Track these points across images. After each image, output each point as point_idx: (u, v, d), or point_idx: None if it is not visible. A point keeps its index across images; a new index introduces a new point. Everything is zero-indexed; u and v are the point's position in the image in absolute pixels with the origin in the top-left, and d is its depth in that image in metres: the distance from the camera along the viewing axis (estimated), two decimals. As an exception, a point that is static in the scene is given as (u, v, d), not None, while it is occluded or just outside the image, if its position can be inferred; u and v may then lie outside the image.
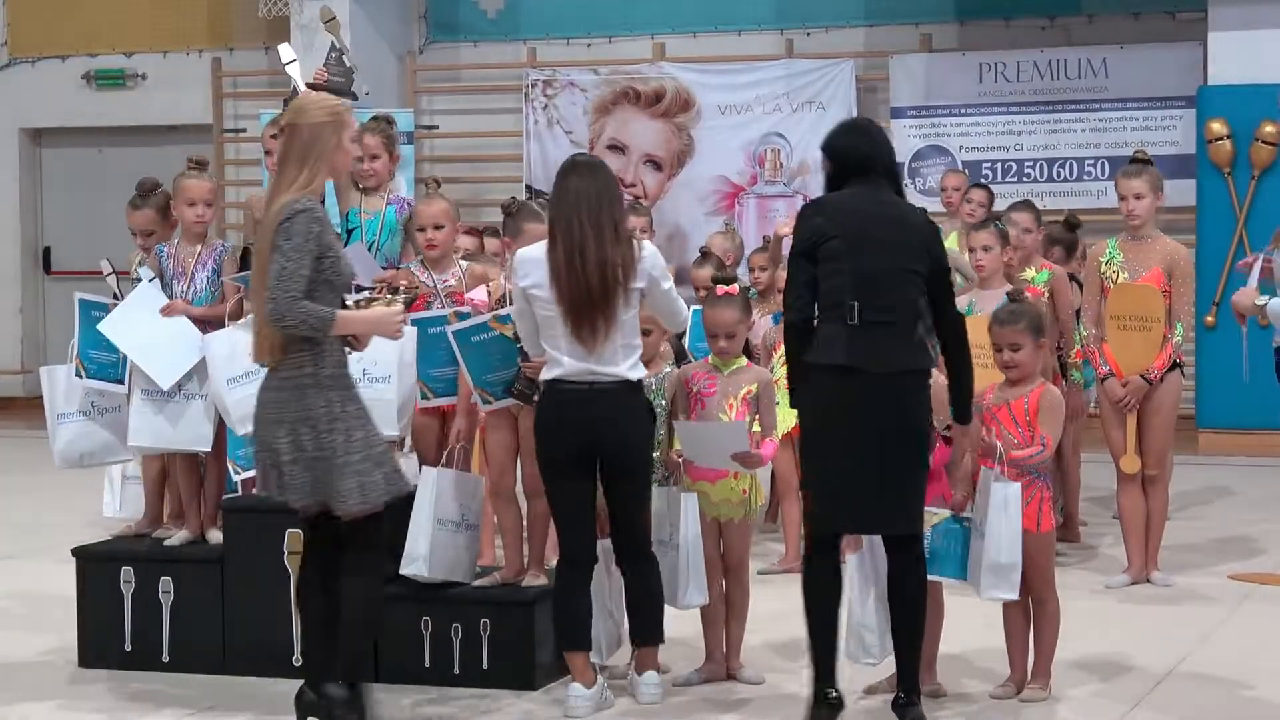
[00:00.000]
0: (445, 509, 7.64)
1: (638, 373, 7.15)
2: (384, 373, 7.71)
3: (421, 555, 7.60)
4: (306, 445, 6.65)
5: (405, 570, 7.64)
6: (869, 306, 6.71)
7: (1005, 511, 7.02)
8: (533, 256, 7.14)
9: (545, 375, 7.17)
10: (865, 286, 6.73)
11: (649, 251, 7.14)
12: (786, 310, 6.88)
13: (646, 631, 7.36)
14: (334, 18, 8.40)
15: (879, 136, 7.13)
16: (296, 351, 6.65)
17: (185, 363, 8.03)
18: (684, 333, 8.99)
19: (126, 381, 8.17)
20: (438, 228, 7.98)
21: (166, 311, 8.06)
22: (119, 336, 8.07)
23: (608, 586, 7.55)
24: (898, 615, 6.90)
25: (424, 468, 7.75)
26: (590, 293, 6.97)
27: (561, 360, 7.08)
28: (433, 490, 7.63)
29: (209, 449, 8.13)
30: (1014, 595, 7.12)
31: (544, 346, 7.15)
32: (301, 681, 6.96)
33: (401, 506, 7.99)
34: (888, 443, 6.74)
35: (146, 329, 8.06)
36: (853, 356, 6.71)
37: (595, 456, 7.13)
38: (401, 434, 7.85)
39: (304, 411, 6.65)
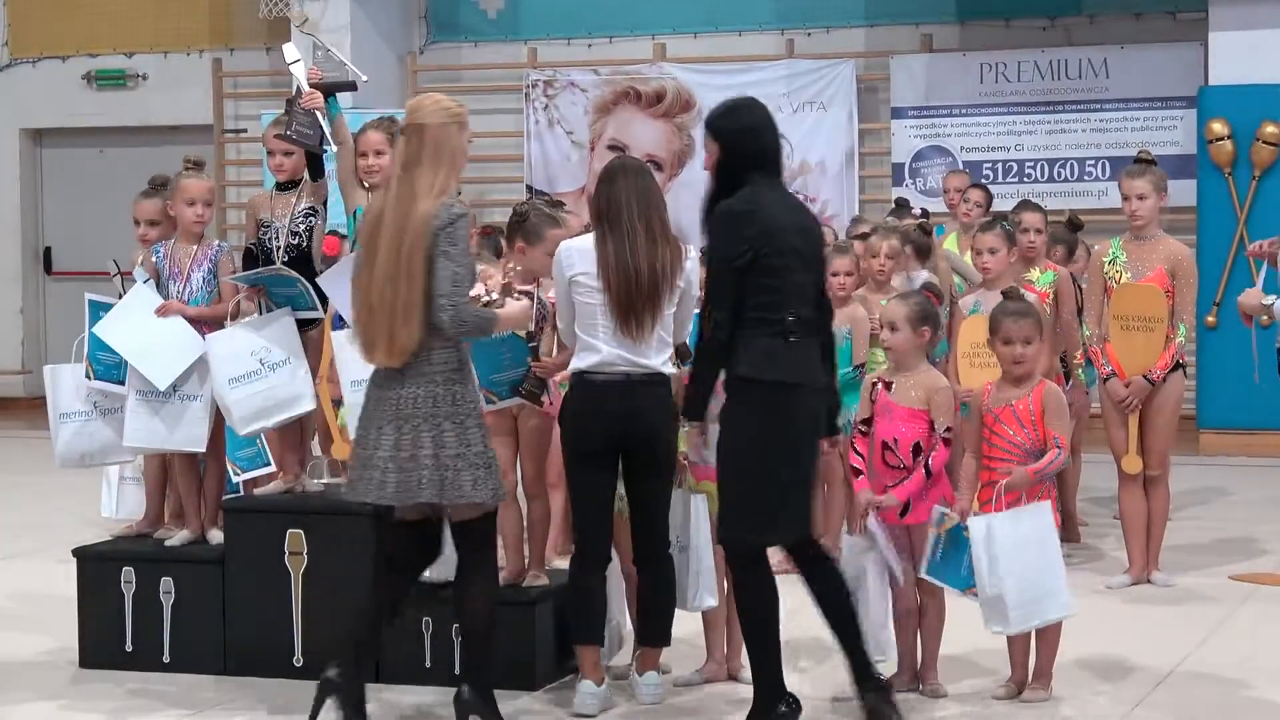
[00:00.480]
0: None
1: (669, 367, 7.17)
2: None
3: (448, 557, 7.59)
4: (449, 441, 6.66)
5: (429, 575, 7.61)
6: (801, 322, 6.77)
7: (986, 547, 7.04)
8: (580, 247, 7.18)
9: (577, 365, 7.16)
10: (796, 301, 6.77)
11: (693, 255, 7.22)
12: (716, 326, 6.76)
13: (655, 633, 7.34)
14: (306, 19, 8.36)
15: (772, 122, 7.12)
16: (441, 348, 6.67)
17: (181, 363, 8.01)
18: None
19: (127, 382, 8.16)
20: None
21: (161, 312, 8.05)
22: (114, 338, 8.06)
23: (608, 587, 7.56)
24: (844, 616, 6.90)
25: None
26: (640, 287, 7.04)
27: (599, 349, 7.06)
28: None
29: (204, 450, 8.11)
30: (1007, 629, 7.14)
31: (579, 335, 7.15)
32: (459, 686, 6.89)
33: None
34: (814, 453, 6.90)
35: (142, 330, 8.04)
36: (793, 372, 6.74)
37: (622, 449, 7.12)
38: None
39: (452, 407, 6.67)
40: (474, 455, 6.68)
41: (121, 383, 8.17)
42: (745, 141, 6.97)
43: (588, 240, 7.20)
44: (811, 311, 6.84)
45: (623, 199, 7.12)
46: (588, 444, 7.14)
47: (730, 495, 6.84)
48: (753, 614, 6.91)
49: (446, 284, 6.60)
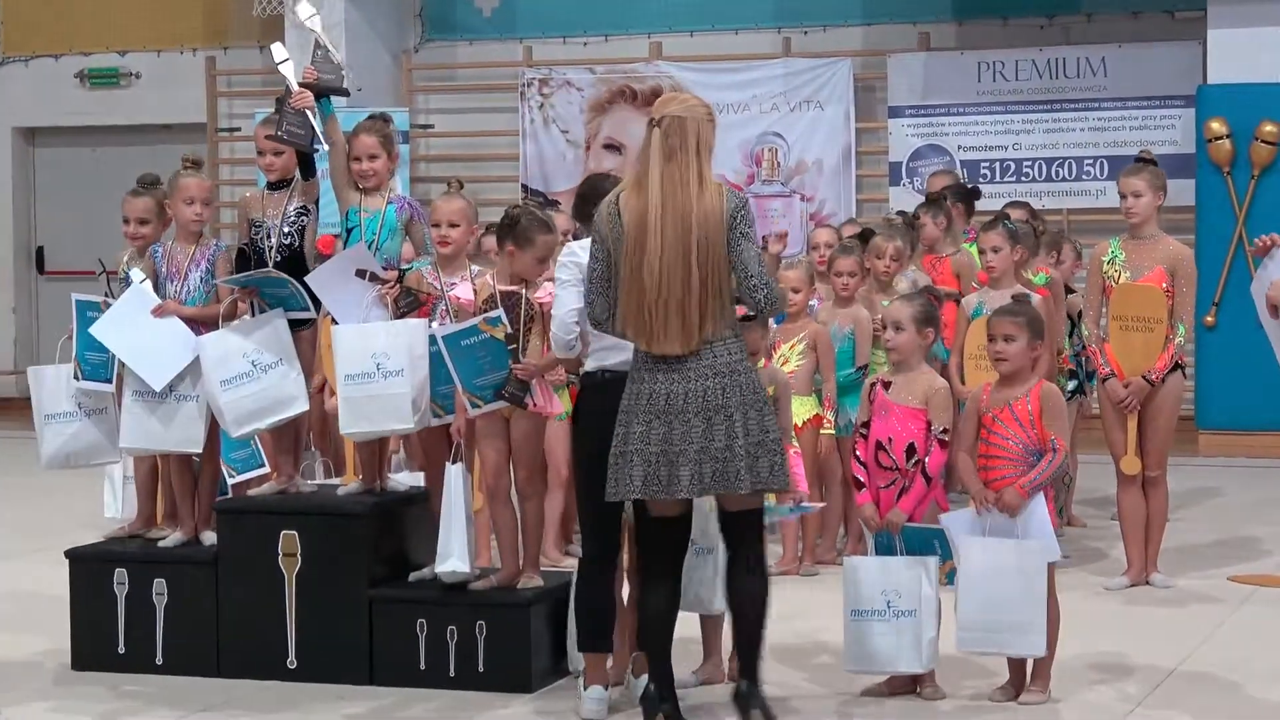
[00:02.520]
0: (467, 504, 7.64)
1: None
2: (397, 366, 7.69)
3: (457, 552, 7.59)
4: (753, 429, 6.71)
5: (442, 569, 7.62)
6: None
7: (967, 560, 7.12)
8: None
9: (597, 363, 7.11)
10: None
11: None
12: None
13: None
14: (313, 14, 8.34)
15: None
16: (732, 337, 6.76)
17: (177, 364, 8.00)
18: None
19: (115, 381, 8.15)
20: (453, 225, 7.94)
21: (158, 312, 8.04)
22: (110, 339, 8.05)
23: None
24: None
25: (448, 465, 7.72)
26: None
27: (625, 346, 6.97)
28: (459, 486, 7.63)
29: (200, 451, 8.10)
30: (957, 645, 7.21)
31: (594, 332, 7.08)
32: (738, 682, 6.93)
33: (397, 506, 8.01)
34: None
35: (138, 330, 8.03)
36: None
37: None
38: (416, 428, 7.83)
39: (752, 394, 6.73)
40: (771, 441, 6.76)
41: (109, 381, 8.15)
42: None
43: None
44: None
45: (615, 218, 6.96)
46: (604, 444, 6.95)
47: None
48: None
49: (754, 264, 6.71)
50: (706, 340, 6.69)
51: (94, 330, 8.07)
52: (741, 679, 6.90)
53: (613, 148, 16.19)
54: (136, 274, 8.14)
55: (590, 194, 7.25)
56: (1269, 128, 14.06)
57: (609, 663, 7.29)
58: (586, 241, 7.10)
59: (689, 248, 6.64)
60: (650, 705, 6.92)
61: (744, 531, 6.94)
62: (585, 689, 7.21)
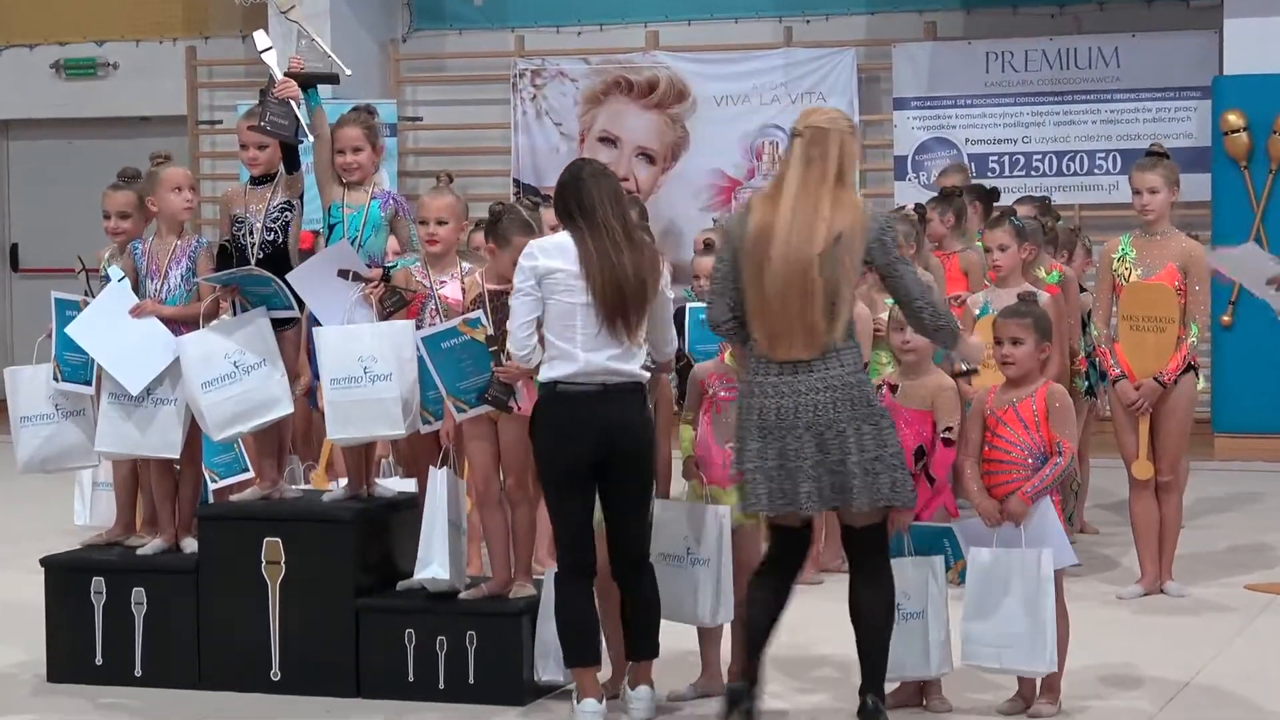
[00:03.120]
0: (453, 511, 7.66)
1: (644, 373, 7.19)
2: (385, 370, 7.71)
3: (438, 559, 7.61)
4: (868, 445, 6.81)
5: (421, 575, 7.63)
6: None
7: (974, 572, 7.20)
8: (556, 242, 7.17)
9: (549, 374, 7.14)
10: None
11: (664, 264, 7.32)
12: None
13: (643, 646, 7.34)
14: (292, 6, 8.34)
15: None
16: (848, 348, 6.87)
17: (155, 366, 8.00)
18: None
19: (94, 383, 8.16)
20: (441, 223, 7.96)
21: (136, 312, 8.04)
22: (86, 340, 8.05)
23: None
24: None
25: (431, 469, 7.74)
26: (628, 287, 7.05)
27: (576, 356, 7.05)
28: (442, 492, 7.64)
29: (178, 456, 8.09)
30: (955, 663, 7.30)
31: (551, 340, 7.13)
32: (864, 696, 6.98)
33: (385, 512, 8.03)
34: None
35: (115, 332, 8.03)
36: None
37: (601, 461, 7.11)
38: (407, 432, 7.84)
39: (865, 409, 6.83)
40: (890, 456, 6.83)
41: (89, 383, 8.16)
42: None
43: (562, 237, 7.17)
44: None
45: (594, 196, 7.13)
46: (567, 461, 7.12)
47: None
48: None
49: (916, 288, 6.91)
50: (832, 348, 6.80)
51: (70, 330, 8.08)
52: (866, 694, 6.96)
53: (608, 141, 16.21)
54: (115, 271, 8.15)
55: (570, 183, 7.27)
56: (1288, 120, 14.09)
57: (598, 674, 7.32)
58: (546, 241, 7.20)
59: (814, 257, 6.75)
60: (735, 697, 6.97)
61: (866, 546, 7.00)
62: (578, 702, 7.22)
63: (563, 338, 7.09)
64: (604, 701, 7.23)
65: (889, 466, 6.83)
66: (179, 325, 8.06)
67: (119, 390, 8.02)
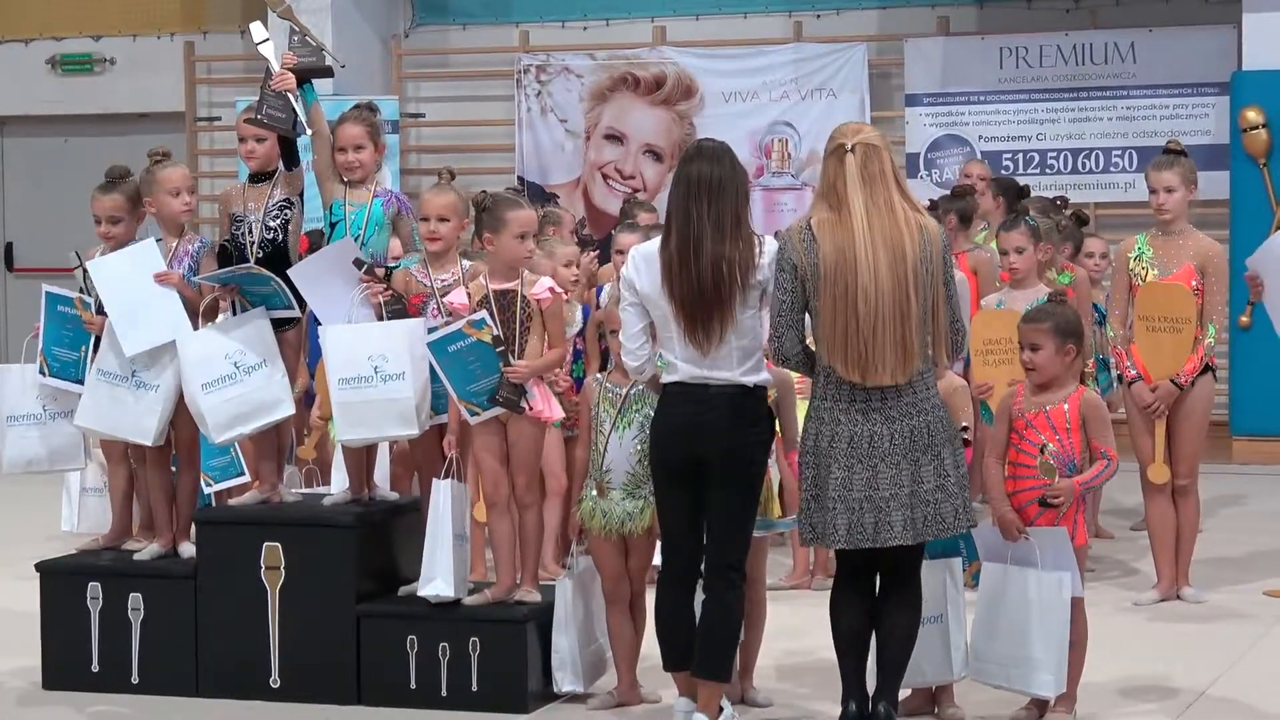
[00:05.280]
0: (457, 523, 7.66)
1: (755, 377, 7.02)
2: (397, 369, 7.71)
3: (441, 574, 7.61)
4: (961, 466, 6.84)
5: (425, 591, 7.64)
6: None
7: (988, 588, 7.24)
8: (646, 252, 7.09)
9: (666, 378, 7.10)
10: None
11: (770, 247, 7.04)
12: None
13: (711, 666, 7.08)
14: (284, 5, 8.35)
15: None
16: (929, 369, 6.86)
17: (155, 337, 7.97)
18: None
19: (85, 381, 8.17)
20: (442, 220, 7.97)
21: (161, 278, 8.02)
22: (104, 282, 8.02)
23: (582, 611, 7.63)
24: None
25: (435, 482, 7.74)
26: (704, 291, 6.90)
27: (677, 366, 7.01)
28: (446, 505, 7.64)
29: (150, 442, 8.08)
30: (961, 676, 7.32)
31: (660, 349, 7.10)
32: (875, 705, 6.98)
33: (386, 517, 8.04)
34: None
35: (132, 286, 8.01)
36: None
37: (699, 467, 7.01)
38: (420, 431, 7.85)
39: (952, 430, 6.87)
40: (953, 485, 6.82)
41: (79, 381, 8.16)
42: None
43: (655, 244, 7.08)
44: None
45: (689, 188, 6.97)
46: (666, 461, 7.06)
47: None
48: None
49: (960, 309, 6.95)
50: (919, 372, 6.78)
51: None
52: (879, 702, 6.94)
53: (614, 138, 16.22)
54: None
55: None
56: (1308, 117, 14.09)
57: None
58: (647, 247, 7.11)
59: (904, 276, 6.72)
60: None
61: (909, 564, 6.98)
62: (677, 701, 7.15)
63: (666, 347, 7.06)
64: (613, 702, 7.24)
65: (950, 495, 6.82)
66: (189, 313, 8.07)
67: (109, 367, 8.01)
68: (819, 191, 6.94)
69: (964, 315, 7.11)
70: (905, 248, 6.72)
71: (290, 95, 8.04)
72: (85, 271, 8.22)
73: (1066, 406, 7.25)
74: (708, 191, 6.96)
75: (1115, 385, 10.33)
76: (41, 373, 8.26)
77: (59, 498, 10.29)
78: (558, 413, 7.89)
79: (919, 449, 6.77)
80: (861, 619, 6.98)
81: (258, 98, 8.14)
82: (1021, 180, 13.93)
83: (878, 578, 7.04)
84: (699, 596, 7.13)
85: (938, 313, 6.80)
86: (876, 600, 7.01)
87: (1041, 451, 7.16)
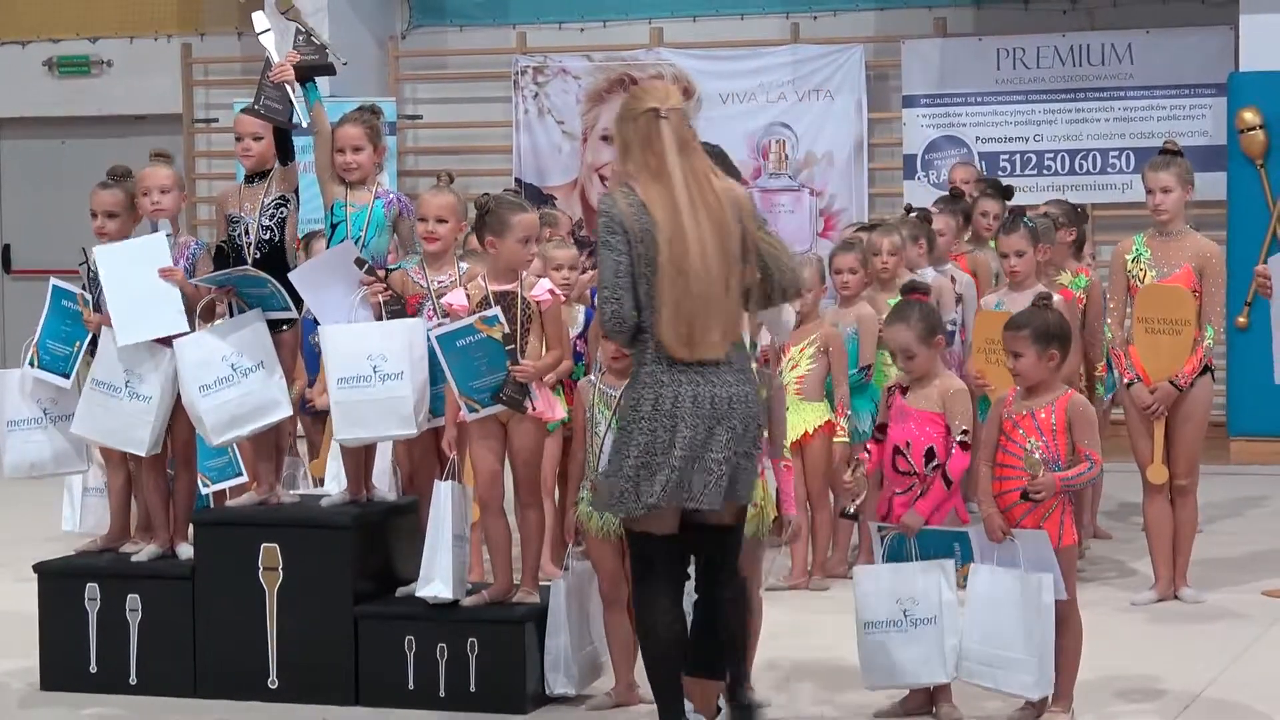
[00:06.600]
0: (457, 525, 7.66)
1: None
2: (396, 368, 7.72)
3: (440, 575, 7.62)
4: (751, 441, 6.68)
5: (424, 593, 7.65)
6: None
7: (972, 594, 7.23)
8: None
9: None
10: None
11: None
12: None
13: (707, 664, 6.98)
14: (291, 6, 8.36)
15: None
16: (743, 344, 6.77)
17: (151, 331, 7.99)
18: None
19: (73, 377, 8.17)
20: (440, 221, 7.99)
21: (166, 273, 8.02)
22: (109, 268, 8.02)
23: (577, 613, 7.64)
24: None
25: (436, 483, 7.75)
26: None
27: None
28: (447, 505, 7.65)
29: (143, 454, 8.09)
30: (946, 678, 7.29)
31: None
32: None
33: (384, 517, 8.04)
34: None
35: (136, 276, 8.01)
36: None
37: None
38: (418, 431, 7.85)
39: (757, 406, 6.71)
40: (755, 455, 6.74)
41: (66, 375, 8.18)
42: None
43: None
44: None
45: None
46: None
47: None
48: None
49: (785, 250, 6.83)
50: (737, 345, 6.68)
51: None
52: (740, 689, 6.94)
53: (611, 140, 16.18)
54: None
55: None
56: (1305, 118, 14.10)
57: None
58: None
59: (727, 249, 6.57)
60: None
61: (729, 546, 6.85)
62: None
63: None
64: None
65: (754, 465, 6.74)
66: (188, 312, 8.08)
67: (103, 378, 8.03)
68: (631, 155, 6.66)
69: (794, 259, 6.90)
70: (725, 219, 6.58)
71: (288, 87, 8.04)
72: (90, 269, 8.21)
73: (1053, 409, 7.26)
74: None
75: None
76: (31, 364, 8.27)
77: (59, 499, 10.29)
78: (559, 412, 7.90)
79: (749, 415, 6.62)
80: (680, 619, 6.80)
81: (256, 89, 8.15)
82: (1019, 181, 13.99)
83: (692, 565, 6.89)
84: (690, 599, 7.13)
85: (751, 281, 6.66)
86: (699, 586, 6.85)
87: (1028, 449, 7.17)
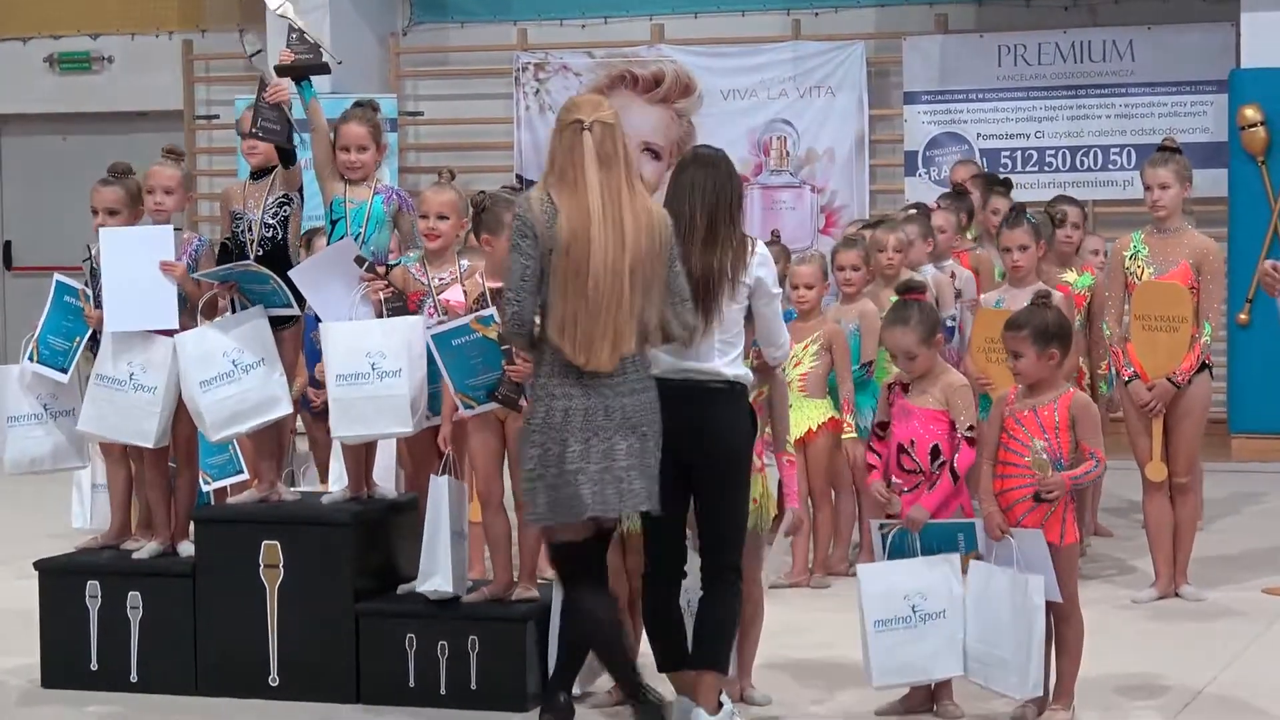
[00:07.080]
0: (455, 520, 7.67)
1: (736, 369, 7.05)
2: (394, 366, 7.72)
3: (441, 571, 7.62)
4: (651, 449, 6.78)
5: (424, 588, 7.65)
6: None
7: (970, 591, 7.23)
8: None
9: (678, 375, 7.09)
10: None
11: (761, 250, 7.11)
12: None
13: (700, 654, 7.12)
14: (282, 3, 8.37)
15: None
16: (642, 356, 6.83)
17: (140, 321, 7.98)
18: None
19: (70, 373, 8.17)
20: (441, 218, 8.00)
21: (167, 267, 8.02)
22: (110, 253, 8.01)
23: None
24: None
25: (433, 478, 7.75)
26: (694, 291, 6.92)
27: (659, 358, 6.99)
28: (444, 501, 7.65)
29: (150, 445, 8.09)
30: (955, 672, 7.29)
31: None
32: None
33: (385, 515, 8.05)
34: None
35: (137, 265, 8.00)
36: None
37: (689, 462, 7.00)
38: (414, 430, 7.86)
39: (655, 414, 6.80)
40: (653, 462, 6.82)
41: (64, 370, 8.18)
42: None
43: None
44: None
45: (685, 193, 7.02)
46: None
47: None
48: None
49: (684, 286, 6.84)
50: (630, 358, 6.75)
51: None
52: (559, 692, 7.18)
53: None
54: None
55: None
56: (1306, 114, 14.10)
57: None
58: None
59: (623, 264, 6.67)
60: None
61: (605, 552, 7.11)
62: (677, 699, 7.14)
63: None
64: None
65: (648, 474, 6.82)
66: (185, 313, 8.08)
67: (107, 373, 8.02)
68: (553, 161, 6.85)
69: (689, 306, 6.90)
70: (633, 235, 6.68)
71: (284, 107, 8.05)
72: (93, 264, 8.21)
73: (1055, 407, 7.26)
74: (703, 195, 7.01)
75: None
76: (30, 358, 8.27)
77: (60, 496, 10.29)
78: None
79: (631, 425, 6.74)
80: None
81: (254, 108, 8.16)
82: (1020, 178, 14.00)
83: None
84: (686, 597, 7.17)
85: (654, 301, 6.74)
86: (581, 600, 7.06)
87: (1033, 448, 7.17)
